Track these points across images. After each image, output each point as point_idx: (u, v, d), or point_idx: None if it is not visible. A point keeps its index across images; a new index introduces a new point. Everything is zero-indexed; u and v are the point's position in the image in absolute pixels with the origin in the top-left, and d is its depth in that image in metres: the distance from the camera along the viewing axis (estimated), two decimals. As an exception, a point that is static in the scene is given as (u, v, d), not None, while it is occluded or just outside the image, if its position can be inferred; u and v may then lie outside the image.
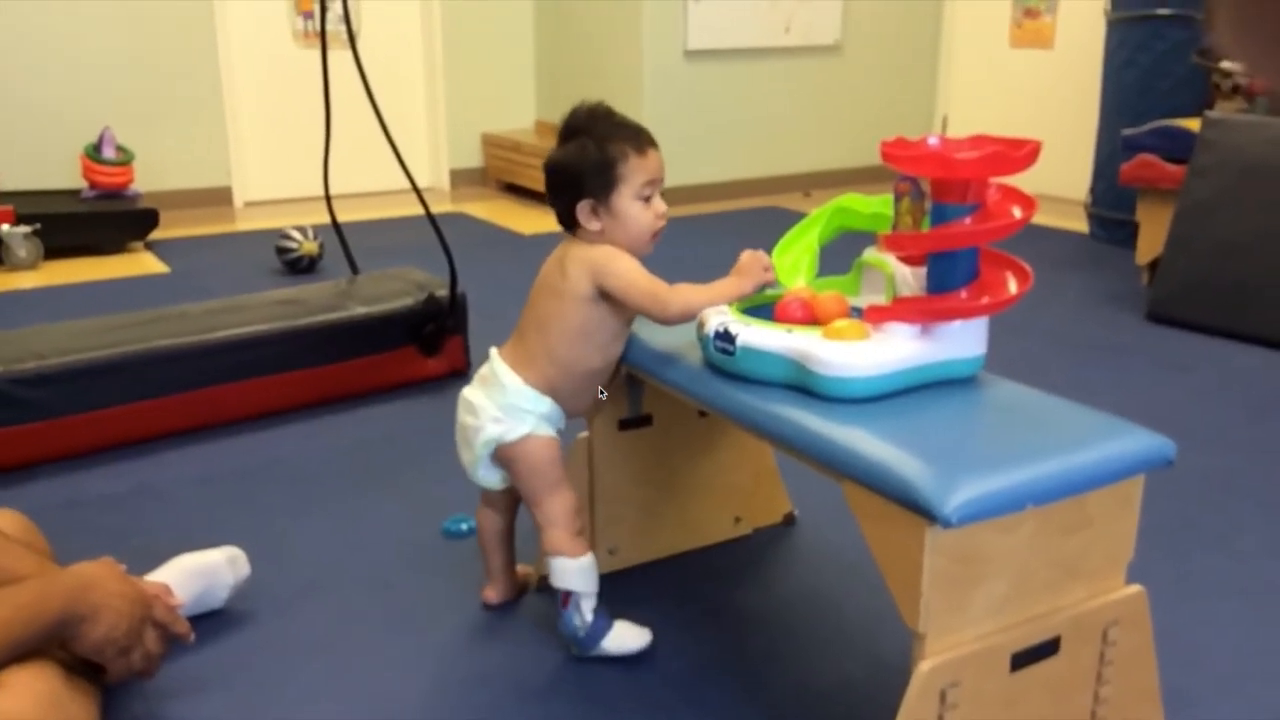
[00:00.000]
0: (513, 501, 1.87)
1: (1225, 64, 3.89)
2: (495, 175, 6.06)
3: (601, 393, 1.88)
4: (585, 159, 1.67)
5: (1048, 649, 1.35)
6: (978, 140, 1.48)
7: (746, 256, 1.67)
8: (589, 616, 1.73)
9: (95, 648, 1.41)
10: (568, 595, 1.72)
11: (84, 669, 1.45)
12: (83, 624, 1.39)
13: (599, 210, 1.68)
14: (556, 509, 1.74)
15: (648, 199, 1.68)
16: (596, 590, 1.74)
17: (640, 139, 1.68)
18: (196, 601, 1.79)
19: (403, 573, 2.02)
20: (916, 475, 1.24)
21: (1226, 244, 3.44)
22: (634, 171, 1.66)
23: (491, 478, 1.80)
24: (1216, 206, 3.49)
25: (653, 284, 1.66)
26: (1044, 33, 5.62)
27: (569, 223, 1.72)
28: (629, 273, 1.67)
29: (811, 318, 1.57)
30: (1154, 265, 3.82)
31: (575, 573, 1.72)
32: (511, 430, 1.73)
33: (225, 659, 1.75)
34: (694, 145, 5.58)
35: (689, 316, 1.65)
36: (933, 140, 1.50)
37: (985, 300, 1.46)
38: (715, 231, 4.93)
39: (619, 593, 1.76)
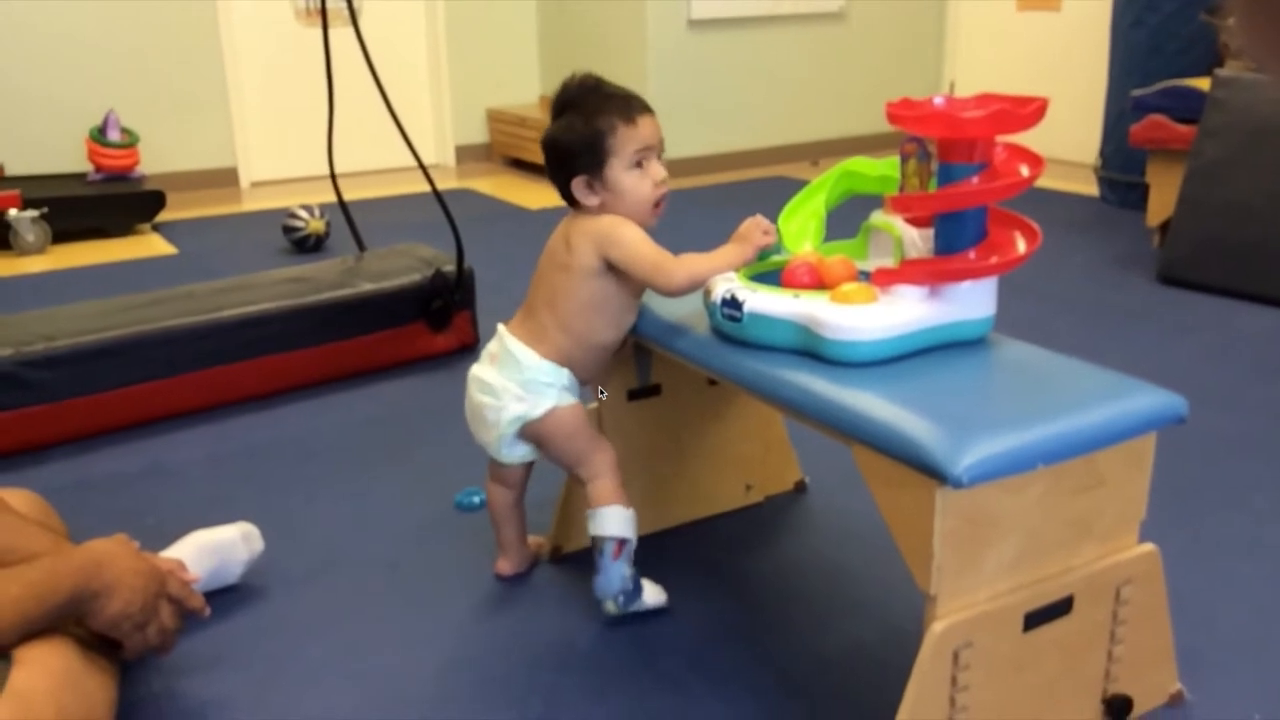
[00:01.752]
0: (524, 475, 1.87)
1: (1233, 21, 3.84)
2: (500, 151, 6.04)
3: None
4: (574, 135, 1.65)
5: (1061, 608, 1.35)
6: (983, 99, 1.47)
7: (746, 222, 1.65)
8: (633, 568, 1.73)
9: (111, 623, 1.42)
10: (620, 545, 1.72)
11: (101, 645, 1.46)
12: (97, 600, 1.39)
13: (594, 185, 1.67)
14: (601, 463, 1.74)
15: (640, 165, 1.66)
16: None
17: (630, 108, 1.66)
18: (211, 577, 1.80)
19: (415, 547, 2.02)
20: (926, 436, 1.23)
21: (1237, 205, 3.41)
22: (624, 142, 1.64)
23: (515, 454, 1.80)
24: (1227, 167, 3.45)
25: (657, 255, 1.64)
26: (1051, -5, 5.56)
27: (570, 199, 1.71)
28: (633, 243, 1.65)
29: (819, 282, 1.56)
30: (1164, 227, 3.79)
31: (629, 521, 1.73)
32: (536, 406, 1.72)
33: (240, 635, 1.76)
34: (699, 116, 5.55)
35: (694, 287, 1.63)
36: (938, 100, 1.49)
37: (994, 260, 1.45)
38: (722, 202, 4.91)
39: (634, 560, 1.75)
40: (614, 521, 1.72)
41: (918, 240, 1.54)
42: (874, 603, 1.82)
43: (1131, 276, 3.65)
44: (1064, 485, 1.31)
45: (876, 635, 1.73)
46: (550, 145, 1.69)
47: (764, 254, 1.66)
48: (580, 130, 1.64)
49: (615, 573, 1.72)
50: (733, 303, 1.54)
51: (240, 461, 2.40)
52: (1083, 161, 5.16)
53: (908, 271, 1.48)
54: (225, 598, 1.83)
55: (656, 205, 1.70)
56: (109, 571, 1.41)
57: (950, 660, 1.27)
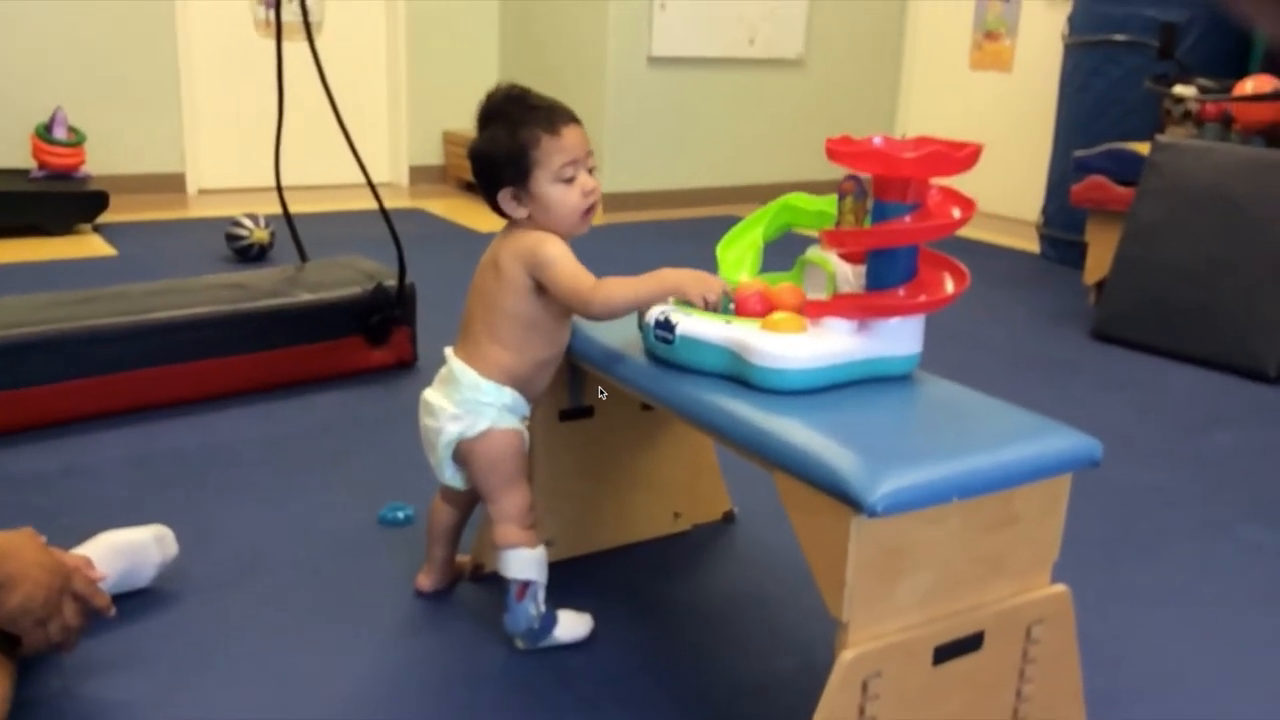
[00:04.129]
0: (472, 499, 1.84)
1: (1177, 89, 3.96)
2: (455, 173, 6.04)
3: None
4: (498, 147, 1.63)
5: (971, 644, 1.36)
6: (920, 141, 1.50)
7: (693, 273, 1.59)
8: (543, 607, 1.71)
9: (10, 617, 1.38)
10: (524, 587, 1.70)
11: (-2, 640, 1.42)
12: (-2, 592, 1.36)
13: (521, 197, 1.65)
14: (513, 504, 1.71)
15: (570, 179, 1.64)
16: (546, 581, 1.73)
17: (554, 119, 1.63)
18: (121, 579, 1.76)
19: (335, 559, 2.00)
20: (844, 465, 1.24)
21: (1171, 266, 3.50)
22: (548, 154, 1.62)
23: (459, 478, 1.77)
24: (1163, 229, 3.55)
25: (576, 279, 1.61)
26: (1003, 56, 5.70)
27: (500, 211, 1.70)
28: (556, 264, 1.62)
29: (771, 309, 1.56)
30: (1100, 285, 3.88)
31: (532, 563, 1.70)
32: (472, 426, 1.69)
33: (148, 638, 1.72)
34: (655, 151, 5.59)
35: (611, 315, 1.62)
36: (877, 140, 1.51)
37: (922, 298, 1.48)
38: (672, 237, 4.94)
39: (555, 585, 1.74)
40: (517, 564, 1.70)
41: (850, 276, 1.56)
42: (794, 634, 1.82)
43: (1067, 331, 3.72)
44: (979, 520, 1.33)
45: (794, 666, 1.73)
46: (475, 158, 1.67)
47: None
48: (504, 143, 1.63)
49: (521, 613, 1.71)
50: (665, 325, 1.55)
51: (164, 466, 2.36)
52: (1026, 219, 5.27)
53: (838, 305, 1.50)
54: (135, 600, 1.79)
55: (587, 213, 1.68)
56: (11, 563, 1.37)
57: (859, 689, 1.28)
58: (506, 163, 1.63)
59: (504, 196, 1.66)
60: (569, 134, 1.64)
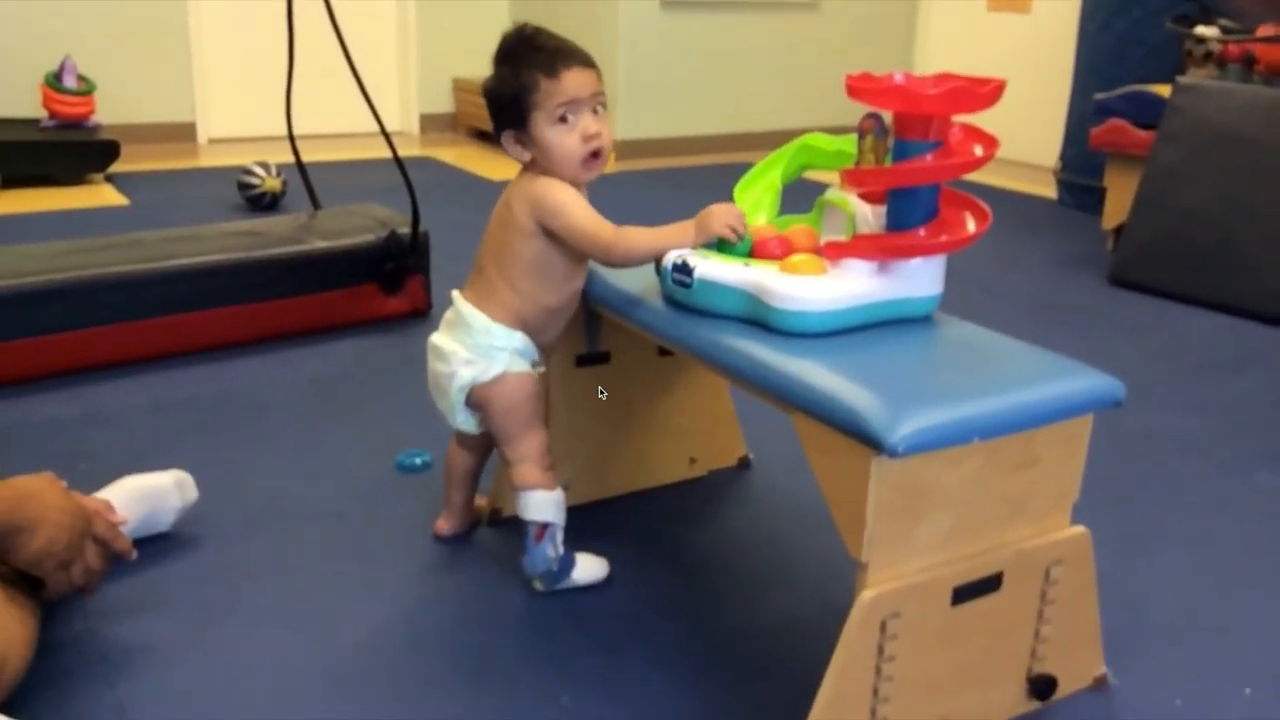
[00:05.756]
0: (488, 442, 1.84)
1: (1199, 30, 3.89)
2: (465, 121, 5.99)
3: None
4: (501, 88, 1.62)
5: (990, 584, 1.36)
6: (942, 78, 1.47)
7: (716, 208, 1.58)
8: (561, 549, 1.72)
9: (33, 559, 1.39)
10: (543, 529, 1.70)
11: (22, 582, 1.43)
12: (20, 535, 1.37)
13: (522, 139, 1.64)
14: (530, 446, 1.72)
15: (564, 119, 1.60)
16: (564, 524, 1.73)
17: (554, 61, 1.60)
18: (142, 523, 1.77)
19: (354, 504, 2.00)
20: (864, 405, 1.23)
21: (1190, 210, 3.46)
22: (546, 97, 1.59)
23: (471, 422, 1.77)
24: (1183, 173, 3.50)
25: (597, 227, 1.60)
26: (1022, -3, 5.60)
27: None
28: (570, 213, 1.61)
29: (789, 253, 1.55)
30: (1119, 230, 3.84)
31: (551, 505, 1.71)
32: (485, 370, 1.69)
33: (169, 582, 1.74)
34: (668, 98, 5.53)
35: (633, 263, 1.61)
36: (898, 76, 1.49)
37: (943, 238, 1.46)
38: (685, 185, 4.90)
39: (571, 530, 1.75)
40: (536, 506, 1.70)
41: (870, 217, 1.54)
42: (810, 578, 1.83)
43: (1084, 277, 3.69)
44: (999, 461, 1.32)
45: (810, 609, 1.73)
46: (486, 98, 1.67)
47: (724, 245, 1.58)
48: (507, 83, 1.61)
49: (539, 554, 1.71)
50: (683, 268, 1.54)
51: (182, 412, 2.36)
52: (1043, 164, 5.21)
53: (858, 245, 1.49)
54: (156, 544, 1.81)
55: (594, 158, 1.64)
56: (33, 506, 1.38)
57: (878, 630, 1.28)
58: (508, 104, 1.62)
59: (507, 139, 1.65)
60: (569, 77, 1.59)
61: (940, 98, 1.38)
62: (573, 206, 1.62)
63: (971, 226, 1.47)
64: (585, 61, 1.63)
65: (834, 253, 1.49)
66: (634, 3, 5.35)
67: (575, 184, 1.65)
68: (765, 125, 5.94)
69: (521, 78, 1.60)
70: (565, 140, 1.61)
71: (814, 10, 5.92)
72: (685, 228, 1.59)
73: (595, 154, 1.64)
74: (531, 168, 1.67)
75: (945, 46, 6.13)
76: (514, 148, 1.66)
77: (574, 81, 1.60)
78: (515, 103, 1.61)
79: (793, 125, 5.99)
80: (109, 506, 1.59)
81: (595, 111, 1.63)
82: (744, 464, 2.21)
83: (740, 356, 1.42)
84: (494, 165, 5.22)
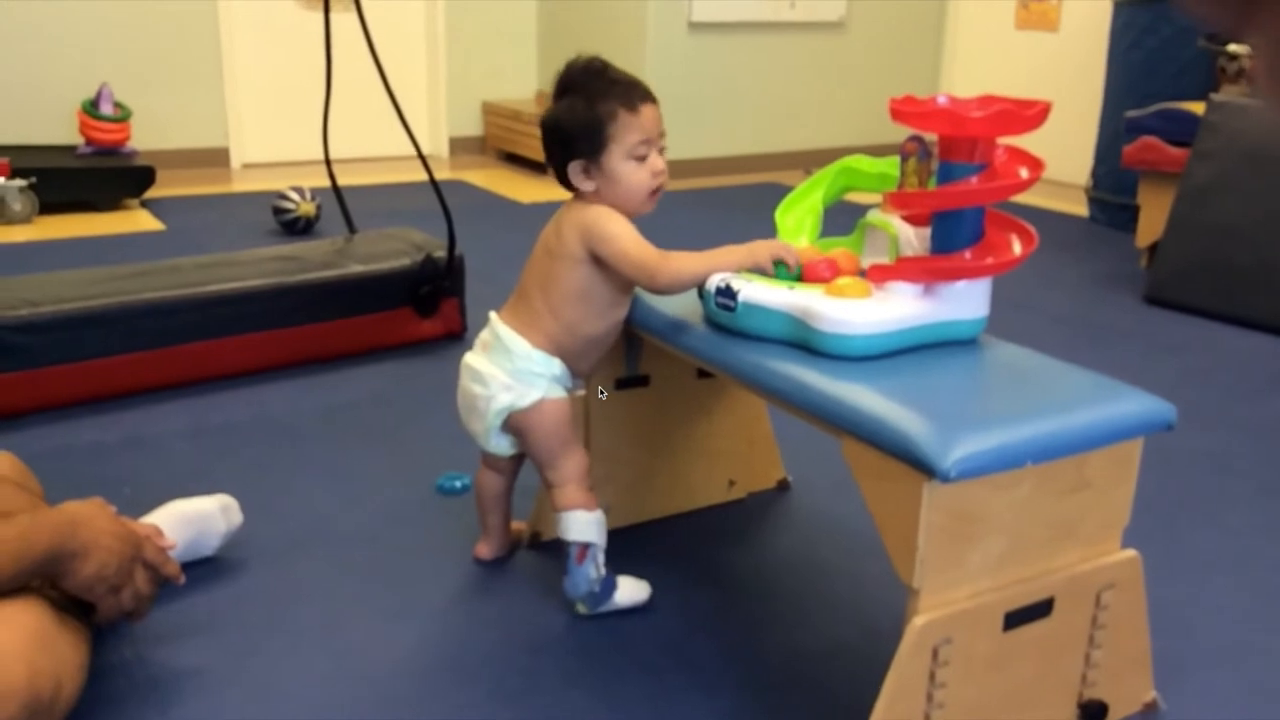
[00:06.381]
0: (516, 464, 1.85)
1: (1232, 47, 3.87)
2: (494, 144, 6.03)
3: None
4: (575, 119, 1.62)
5: (1041, 610, 1.35)
6: (986, 100, 1.47)
7: (768, 243, 1.59)
8: (603, 570, 1.72)
9: (85, 585, 1.40)
10: (584, 550, 1.70)
11: (74, 608, 1.44)
12: (73, 560, 1.38)
13: (591, 170, 1.64)
14: (572, 468, 1.73)
15: (642, 158, 1.62)
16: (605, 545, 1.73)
17: (632, 95, 1.62)
18: (188, 548, 1.78)
19: (395, 528, 2.01)
20: (916, 430, 1.23)
21: (1226, 228, 3.43)
22: (625, 130, 1.60)
23: (504, 444, 1.78)
24: (1217, 190, 3.48)
25: (642, 253, 1.61)
26: (1049, 15, 5.59)
27: (566, 182, 1.69)
28: (620, 240, 1.62)
29: (838, 275, 1.55)
30: (1153, 248, 3.81)
31: (593, 525, 1.71)
32: (524, 396, 1.70)
33: (215, 606, 1.74)
34: (695, 119, 5.55)
35: (679, 288, 1.61)
36: (942, 99, 1.49)
37: (989, 261, 1.46)
38: (714, 206, 4.91)
39: (612, 552, 1.75)
40: (577, 527, 1.71)
41: (913, 239, 1.54)
42: (852, 602, 1.82)
43: (1118, 295, 3.66)
44: (1051, 486, 1.31)
45: (854, 633, 1.72)
46: (550, 127, 1.66)
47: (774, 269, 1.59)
48: (582, 114, 1.61)
49: (581, 576, 1.71)
50: (727, 292, 1.54)
51: (221, 437, 2.38)
52: (1074, 182, 5.19)
53: (903, 268, 1.48)
54: (202, 569, 1.82)
55: (652, 194, 1.67)
56: (85, 532, 1.39)
57: (930, 656, 1.27)
58: (581, 135, 1.62)
59: (574, 169, 1.65)
60: (647, 112, 1.62)
61: (986, 120, 1.38)
62: (624, 235, 1.63)
63: (1018, 248, 1.46)
64: (655, 99, 1.66)
65: (880, 275, 1.49)
66: (662, 25, 5.38)
67: (632, 216, 1.66)
68: (792, 146, 5.95)
69: (600, 109, 1.60)
70: (638, 175, 1.63)
71: (841, 31, 5.92)
72: (732, 252, 1.60)
73: (656, 190, 1.66)
74: (584, 197, 1.67)
75: (973, 65, 6.12)
76: (579, 176, 1.65)
77: (650, 117, 1.63)
78: (591, 133, 1.61)
79: (820, 146, 6.00)
80: (158, 531, 1.60)
81: (660, 149, 1.65)
82: (783, 486, 2.20)
83: (788, 380, 1.42)
84: (523, 188, 5.25)
